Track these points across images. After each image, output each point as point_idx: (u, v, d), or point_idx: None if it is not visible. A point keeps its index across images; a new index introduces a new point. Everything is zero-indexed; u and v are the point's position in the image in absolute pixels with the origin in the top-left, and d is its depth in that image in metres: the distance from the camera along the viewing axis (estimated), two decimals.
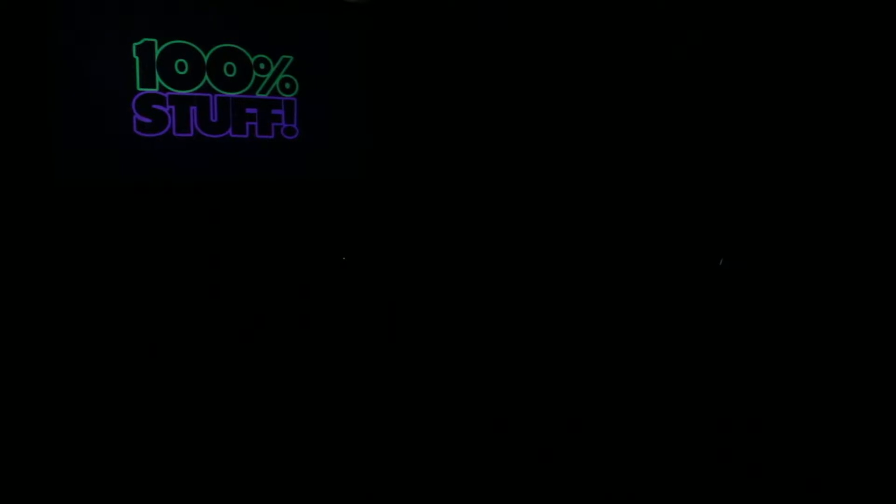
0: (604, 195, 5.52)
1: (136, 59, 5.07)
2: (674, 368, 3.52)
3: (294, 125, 5.78)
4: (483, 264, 5.58)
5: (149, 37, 5.10)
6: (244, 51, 5.51)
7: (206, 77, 5.37)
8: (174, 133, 5.25)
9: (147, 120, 5.13)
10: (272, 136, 5.69)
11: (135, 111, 5.08)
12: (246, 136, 5.57)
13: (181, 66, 5.25)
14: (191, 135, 5.33)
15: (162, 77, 5.17)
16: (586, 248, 5.39)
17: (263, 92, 5.62)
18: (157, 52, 5.14)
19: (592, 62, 5.59)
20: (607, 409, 3.04)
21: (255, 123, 5.60)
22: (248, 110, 5.57)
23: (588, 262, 5.27)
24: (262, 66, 5.60)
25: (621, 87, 5.46)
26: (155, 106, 5.16)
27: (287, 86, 5.73)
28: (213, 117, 5.42)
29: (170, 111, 5.22)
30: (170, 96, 5.21)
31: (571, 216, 5.64)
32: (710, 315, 4.24)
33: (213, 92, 5.40)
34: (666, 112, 5.18)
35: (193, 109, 5.33)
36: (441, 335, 4.10)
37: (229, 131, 5.49)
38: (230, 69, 5.46)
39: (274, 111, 5.69)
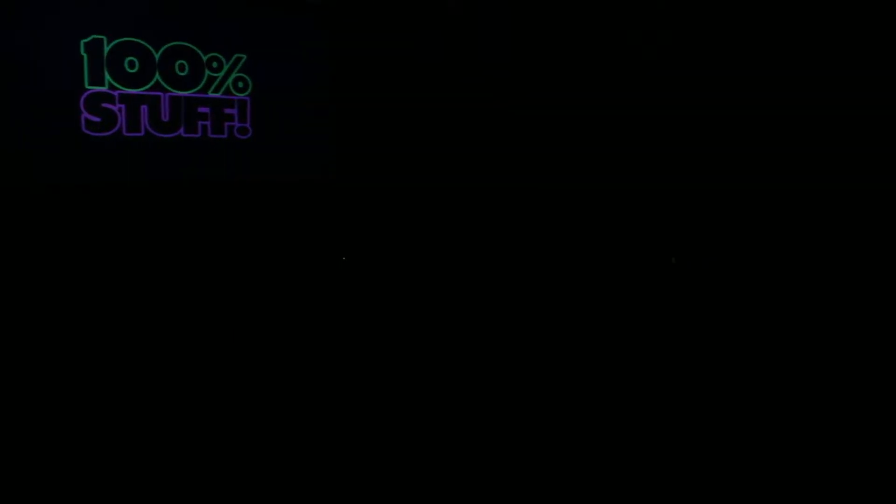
0: (570, 191, 5.71)
1: (85, 56, 4.97)
2: (647, 364, 3.76)
3: (247, 125, 5.78)
4: (441, 262, 5.74)
5: (98, 33, 5.00)
6: (196, 49, 5.47)
7: (157, 75, 5.30)
8: (124, 132, 5.18)
9: (96, 119, 5.05)
10: (225, 136, 5.67)
11: (83, 110, 4.99)
12: (198, 135, 5.54)
13: (131, 64, 5.17)
14: (141, 134, 5.27)
15: (111, 75, 5.09)
16: (552, 242, 5.61)
17: (216, 91, 5.59)
18: (107, 49, 5.04)
19: (558, 60, 5.75)
20: (584, 405, 3.21)
21: (208, 123, 5.57)
22: (201, 109, 5.53)
23: (556, 255, 5.49)
24: (214, 64, 5.56)
25: (589, 85, 5.64)
26: (104, 104, 5.07)
27: (240, 85, 5.71)
28: (165, 116, 5.36)
29: (119, 110, 5.15)
30: (119, 95, 5.14)
31: (536, 213, 5.84)
32: (682, 311, 4.49)
33: (165, 91, 5.35)
34: (636, 111, 5.39)
35: (144, 108, 5.27)
36: (404, 333, 4.24)
37: (181, 131, 5.45)
38: (182, 67, 5.41)
39: (227, 110, 5.67)
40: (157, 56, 5.28)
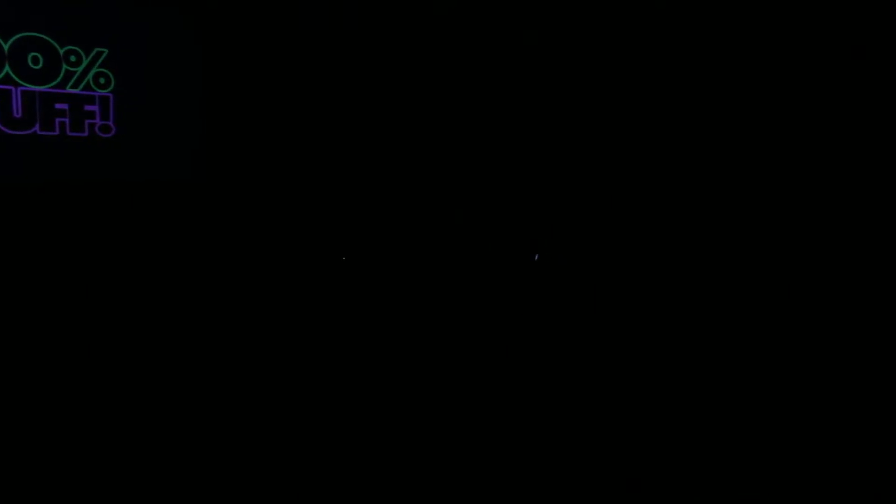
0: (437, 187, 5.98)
1: None
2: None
3: (110, 122, 5.53)
4: (316, 266, 5.86)
5: None
6: (52, 41, 5.14)
7: (8, 68, 4.94)
8: None
9: None
10: (86, 134, 5.39)
11: None
12: (56, 133, 5.22)
13: None
14: None
15: None
16: (427, 245, 5.89)
17: (75, 86, 5.30)
18: None
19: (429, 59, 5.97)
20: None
21: (67, 120, 5.27)
22: (58, 106, 5.22)
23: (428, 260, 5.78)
24: (72, 58, 5.27)
25: (451, 80, 5.90)
26: None
27: (101, 80, 5.45)
28: (17, 112, 5.01)
29: None
30: None
31: (408, 215, 6.08)
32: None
33: (16, 84, 4.99)
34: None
35: None
36: (278, 343, 4.36)
37: (36, 128, 5.11)
38: (36, 60, 5.07)
39: (87, 107, 5.39)
40: (6, 47, 4.91)
